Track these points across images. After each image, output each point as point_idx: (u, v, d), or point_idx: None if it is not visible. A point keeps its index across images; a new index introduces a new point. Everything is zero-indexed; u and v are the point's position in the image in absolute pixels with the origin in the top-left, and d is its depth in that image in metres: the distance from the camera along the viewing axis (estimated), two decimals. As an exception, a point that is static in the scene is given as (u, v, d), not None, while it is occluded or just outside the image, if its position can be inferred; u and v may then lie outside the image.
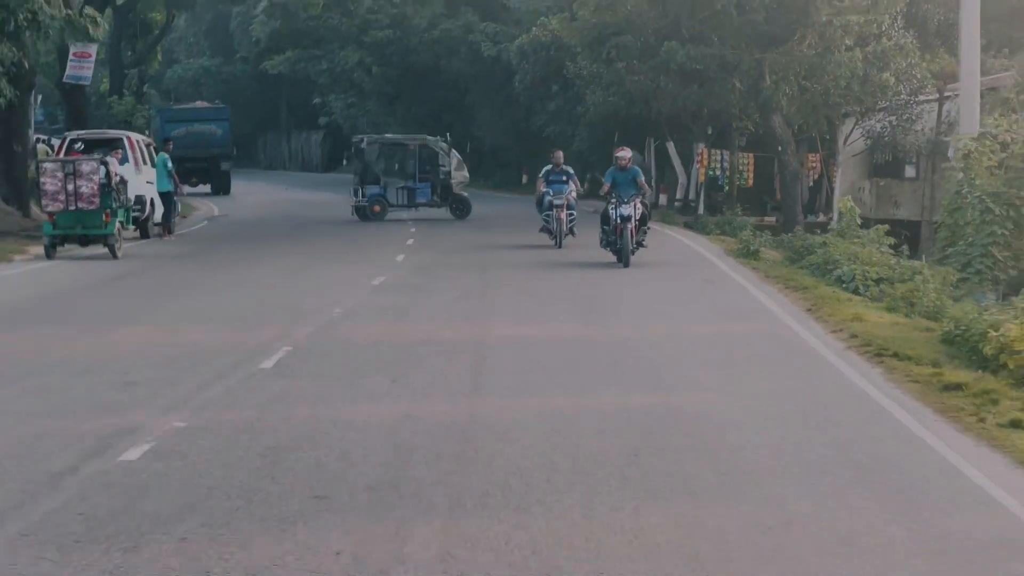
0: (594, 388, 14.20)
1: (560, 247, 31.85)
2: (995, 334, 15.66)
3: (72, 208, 28.66)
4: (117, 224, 28.90)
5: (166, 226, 35.76)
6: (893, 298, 22.48)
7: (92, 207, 28.65)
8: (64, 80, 43.01)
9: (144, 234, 34.98)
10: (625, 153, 29.22)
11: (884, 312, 21.34)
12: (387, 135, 52.32)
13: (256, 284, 24.54)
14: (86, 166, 28.75)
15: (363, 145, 44.58)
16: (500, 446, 11.21)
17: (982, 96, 38.60)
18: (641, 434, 11.82)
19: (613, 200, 28.03)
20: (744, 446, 11.44)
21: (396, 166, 47.08)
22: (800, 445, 11.49)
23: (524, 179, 68.42)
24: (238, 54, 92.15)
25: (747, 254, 30.26)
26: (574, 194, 33.45)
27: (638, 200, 28.19)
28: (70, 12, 33.28)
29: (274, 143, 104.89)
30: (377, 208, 43.09)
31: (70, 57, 42.40)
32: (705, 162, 48.50)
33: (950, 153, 33.78)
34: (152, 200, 35.11)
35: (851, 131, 45.94)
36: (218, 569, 7.92)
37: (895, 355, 16.57)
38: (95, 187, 28.56)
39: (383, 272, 26.22)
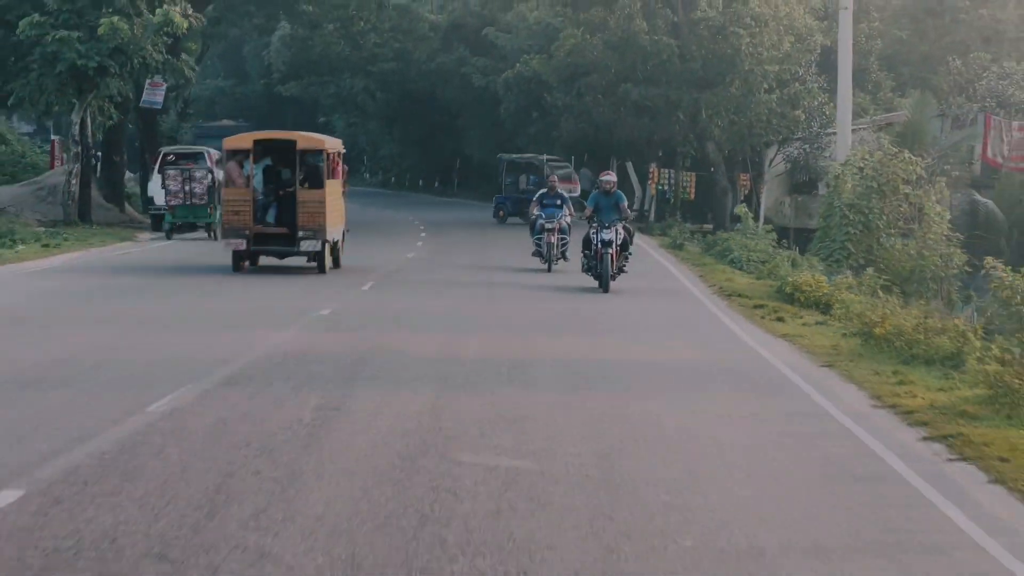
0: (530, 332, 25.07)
1: (550, 271, 31.63)
2: (790, 281, 26.73)
3: (188, 203, 39.57)
4: (218, 214, 39.85)
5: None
6: (760, 271, 33.49)
7: (202, 203, 39.56)
8: (141, 104, 53.45)
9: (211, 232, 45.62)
10: (610, 177, 29.56)
11: (751, 278, 32.38)
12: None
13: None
14: (198, 173, 39.72)
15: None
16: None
17: (882, 128, 49.80)
18: (575, 319, 22.71)
19: (595, 225, 27.95)
20: (641, 324, 22.42)
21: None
22: (670, 330, 22.36)
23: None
24: (259, 78, 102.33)
25: (674, 247, 41.31)
26: (568, 218, 32.80)
27: (620, 225, 28.05)
28: (170, 57, 44.02)
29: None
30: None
31: (146, 86, 52.82)
32: (656, 179, 59.40)
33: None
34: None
35: (774, 156, 57.15)
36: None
37: (739, 295, 27.63)
38: (204, 188, 39.48)
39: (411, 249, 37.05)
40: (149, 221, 45.83)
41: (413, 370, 16.24)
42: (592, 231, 27.79)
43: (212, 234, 39.95)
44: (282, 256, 30.54)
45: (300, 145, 30.65)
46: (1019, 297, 20.33)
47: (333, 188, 30.71)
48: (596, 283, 27.49)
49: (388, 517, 9.27)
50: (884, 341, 19.61)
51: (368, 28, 70.36)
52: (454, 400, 14.24)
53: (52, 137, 60.54)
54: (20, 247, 33.51)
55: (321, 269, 29.94)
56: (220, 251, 31.06)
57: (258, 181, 30.05)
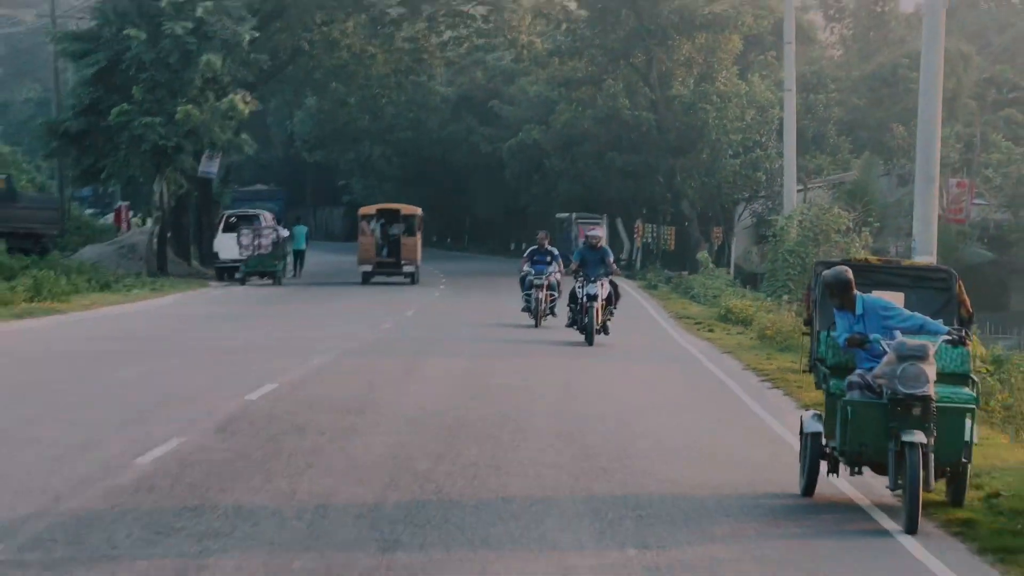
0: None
1: (538, 327, 31.82)
2: (725, 305, 36.01)
3: (257, 254, 49.01)
4: (281, 265, 49.27)
5: (297, 270, 56.09)
6: (712, 302, 42.78)
7: (270, 254, 49.02)
8: (199, 174, 62.42)
9: (276, 279, 54.75)
10: (597, 232, 30.25)
11: (703, 307, 41.63)
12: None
13: (362, 296, 44.65)
14: (265, 230, 49.19)
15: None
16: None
17: (836, 187, 59.23)
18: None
19: (581, 279, 28.25)
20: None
21: None
22: (629, 334, 31.47)
23: (512, 246, 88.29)
24: (282, 144, 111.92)
25: (649, 287, 50.67)
26: (557, 275, 32.73)
27: (606, 280, 28.35)
28: (233, 136, 53.30)
29: (303, 216, 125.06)
30: None
31: (203, 158, 61.89)
32: (641, 233, 68.77)
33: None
34: (291, 255, 55.51)
35: (742, 212, 66.59)
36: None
37: (687, 317, 36.91)
38: (270, 243, 48.94)
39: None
40: (214, 272, 54.96)
41: (456, 344, 25.63)
42: (578, 285, 28.26)
43: (277, 280, 49.41)
44: (390, 275, 53.72)
45: (403, 212, 55.83)
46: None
47: (418, 237, 53.84)
48: (582, 336, 27.94)
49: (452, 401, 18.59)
50: (771, 339, 28.90)
51: (387, 101, 79.71)
52: (484, 362, 23.58)
53: (119, 203, 69.90)
54: (134, 291, 42.73)
55: (414, 281, 52.53)
56: (285, 293, 40.91)
57: (378, 234, 53.65)
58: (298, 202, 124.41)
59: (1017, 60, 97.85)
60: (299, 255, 56.87)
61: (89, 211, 77.96)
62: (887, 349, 11.97)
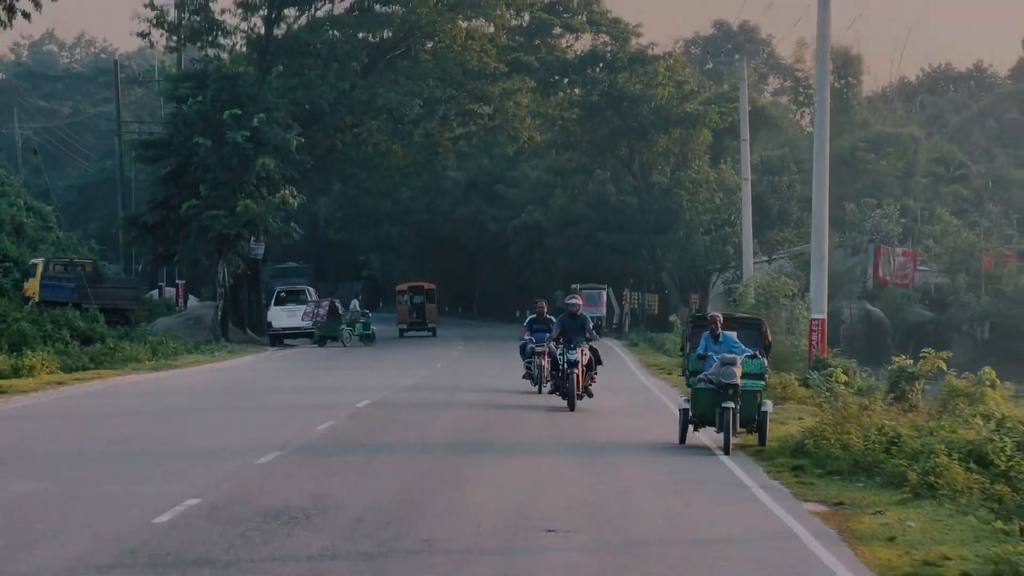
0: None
1: (540, 392, 32.32)
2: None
3: (320, 322, 59.81)
4: (345, 331, 59.93)
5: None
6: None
7: (328, 321, 59.85)
8: (249, 255, 72.93)
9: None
10: (576, 300, 30.36)
11: (671, 359, 52.10)
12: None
13: (401, 353, 55.18)
14: (324, 303, 60.02)
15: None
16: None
17: (796, 257, 69.71)
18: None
19: (561, 346, 29.09)
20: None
21: None
22: (605, 379, 42.02)
23: (517, 314, 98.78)
24: (306, 224, 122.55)
25: (631, 345, 61.16)
26: (586, 350, 31.07)
27: (586, 347, 29.06)
28: (283, 225, 64.01)
29: (324, 289, 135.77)
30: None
31: (252, 241, 72.54)
32: (628, 300, 79.40)
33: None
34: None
35: (715, 280, 77.30)
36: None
37: (654, 366, 47.44)
38: (326, 312, 59.78)
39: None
40: (268, 340, 65.40)
41: (465, 396, 36.13)
42: (559, 352, 29.22)
43: (342, 342, 60.25)
44: (419, 331, 73.57)
45: (424, 287, 76.45)
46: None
47: (435, 304, 74.64)
48: (564, 402, 29.16)
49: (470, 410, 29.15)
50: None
51: (405, 188, 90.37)
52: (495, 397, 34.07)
53: (177, 281, 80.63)
54: (217, 353, 53.26)
55: (434, 335, 70.86)
56: (337, 352, 51.66)
57: (408, 303, 73.76)
58: (321, 276, 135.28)
59: (969, 140, 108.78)
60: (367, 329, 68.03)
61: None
62: (716, 361, 22.60)
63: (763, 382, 23.37)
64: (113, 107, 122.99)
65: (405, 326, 75.39)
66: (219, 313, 64.30)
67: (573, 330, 29.27)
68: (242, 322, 69.52)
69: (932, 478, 17.67)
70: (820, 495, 18.03)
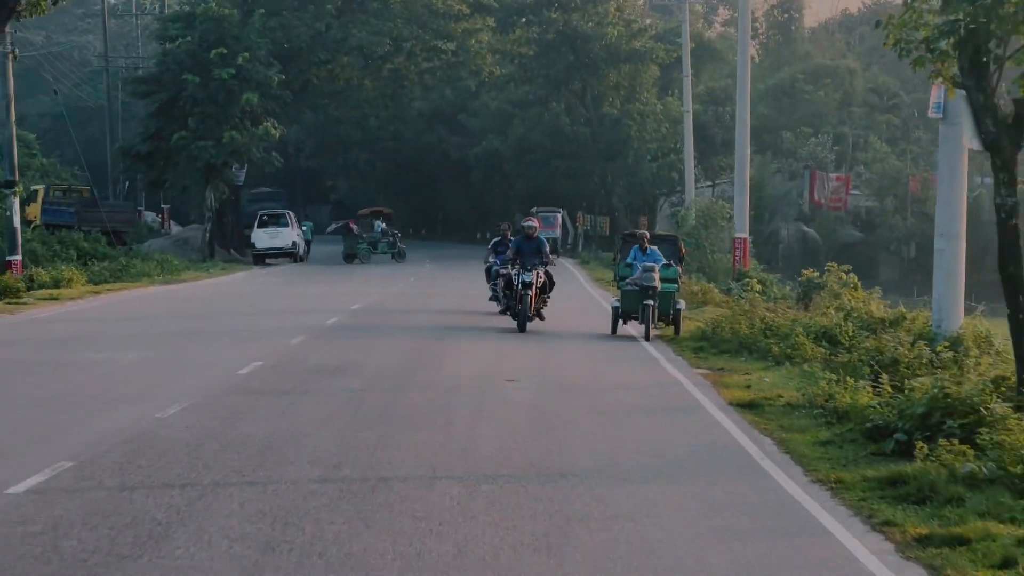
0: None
1: (505, 314, 31.70)
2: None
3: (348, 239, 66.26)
4: (364, 249, 66.73)
5: (306, 256, 72.93)
6: (624, 271, 59.79)
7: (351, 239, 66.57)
8: (233, 182, 78.68)
9: (296, 260, 71.27)
10: (532, 223, 30.64)
11: (616, 275, 58.55)
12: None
13: (372, 271, 61.44)
14: (339, 223, 66.43)
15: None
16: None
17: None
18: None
19: (517, 268, 29.54)
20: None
21: None
22: (563, 292, 48.41)
23: (478, 235, 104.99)
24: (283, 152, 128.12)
25: (582, 263, 67.60)
26: (542, 272, 31.56)
27: (541, 269, 29.61)
28: (265, 154, 69.97)
29: (300, 212, 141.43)
30: None
31: (233, 168, 78.34)
32: (582, 222, 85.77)
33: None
34: (304, 243, 72.06)
35: (662, 204, 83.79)
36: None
37: (601, 280, 53.78)
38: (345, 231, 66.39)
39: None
40: (251, 259, 71.35)
41: (439, 300, 42.42)
42: (514, 273, 29.59)
43: (360, 259, 67.28)
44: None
45: (384, 211, 74.42)
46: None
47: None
48: (514, 323, 29.69)
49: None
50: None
51: (373, 118, 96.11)
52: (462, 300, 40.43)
53: (163, 206, 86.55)
54: (211, 269, 59.34)
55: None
56: (316, 270, 57.92)
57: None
58: (291, 201, 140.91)
59: (904, 71, 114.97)
60: (307, 244, 73.54)
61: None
62: (640, 268, 29.03)
63: (676, 285, 29.92)
64: (87, 39, 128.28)
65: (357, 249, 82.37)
66: (207, 235, 70.35)
67: (529, 252, 29.73)
68: (227, 243, 75.58)
69: (790, 351, 24.21)
70: (709, 365, 24.55)
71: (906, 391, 15.95)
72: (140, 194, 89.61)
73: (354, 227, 71.28)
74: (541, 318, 30.11)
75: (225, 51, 66.64)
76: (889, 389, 16.83)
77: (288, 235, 69.11)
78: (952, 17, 14.83)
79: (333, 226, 68.93)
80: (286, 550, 10.12)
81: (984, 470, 12.77)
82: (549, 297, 30.89)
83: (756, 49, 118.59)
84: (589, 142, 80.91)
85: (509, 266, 30.01)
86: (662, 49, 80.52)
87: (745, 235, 46.27)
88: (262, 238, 70.30)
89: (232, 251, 75.52)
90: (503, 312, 31.18)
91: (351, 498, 11.91)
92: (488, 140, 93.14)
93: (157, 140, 69.05)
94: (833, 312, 27.00)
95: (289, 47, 74.30)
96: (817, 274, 38.22)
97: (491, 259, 34.46)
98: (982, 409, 14.40)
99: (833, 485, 13.32)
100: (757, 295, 38.02)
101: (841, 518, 11.94)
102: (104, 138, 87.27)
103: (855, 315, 26.30)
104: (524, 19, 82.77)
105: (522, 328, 29.02)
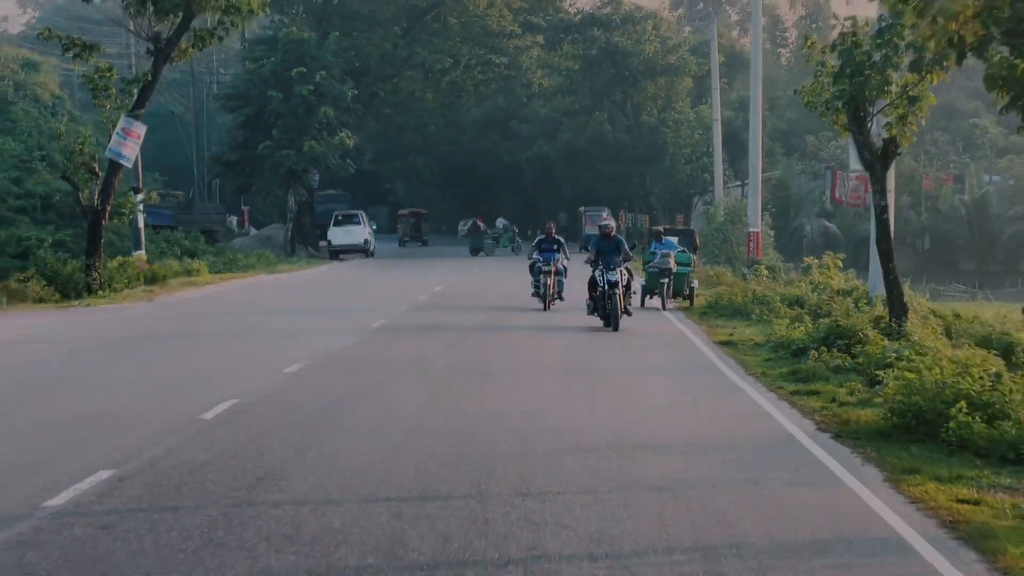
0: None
1: (547, 310, 34.49)
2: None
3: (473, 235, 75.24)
4: (488, 243, 75.71)
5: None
6: (658, 262, 68.21)
7: (478, 235, 75.49)
8: (311, 185, 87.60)
9: (367, 255, 79.76)
10: (610, 223, 31.26)
11: (652, 265, 66.92)
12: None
13: (430, 265, 69.94)
14: (470, 221, 75.18)
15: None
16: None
17: (765, 182, 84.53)
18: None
19: (600, 268, 29.58)
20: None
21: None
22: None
23: (528, 234, 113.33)
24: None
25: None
26: (565, 261, 35.55)
27: (623, 267, 29.80)
28: (341, 161, 78.70)
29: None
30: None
31: (310, 173, 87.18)
32: (623, 220, 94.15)
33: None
34: (374, 240, 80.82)
35: (697, 203, 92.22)
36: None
37: (639, 270, 62.29)
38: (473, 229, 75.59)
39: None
40: (328, 255, 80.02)
41: (503, 287, 51.01)
42: (598, 273, 29.52)
43: (486, 252, 77.22)
44: (415, 242, 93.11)
45: (420, 212, 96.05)
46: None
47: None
48: (602, 323, 29.90)
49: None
50: (673, 274, 54.29)
51: (432, 126, 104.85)
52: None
53: (243, 208, 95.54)
54: (298, 263, 68.07)
55: (426, 244, 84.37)
56: (392, 263, 66.70)
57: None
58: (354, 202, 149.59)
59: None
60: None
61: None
62: (659, 255, 37.63)
63: (689, 268, 38.51)
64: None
65: (407, 238, 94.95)
66: (289, 233, 79.21)
67: (609, 251, 29.84)
68: (304, 241, 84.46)
69: (767, 314, 32.78)
70: (707, 324, 33.09)
71: (818, 325, 24.55)
72: (217, 197, 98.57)
73: (481, 225, 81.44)
74: (628, 314, 30.40)
75: (304, 70, 75.36)
76: (810, 325, 25.41)
77: (361, 232, 77.71)
78: (841, 87, 23.43)
79: (463, 227, 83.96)
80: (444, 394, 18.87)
81: (846, 364, 21.34)
82: (635, 293, 32.17)
83: (787, 57, 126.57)
84: (629, 147, 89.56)
85: (591, 266, 29.97)
86: (694, 63, 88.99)
87: (757, 229, 54.68)
88: (338, 236, 78.88)
89: (309, 248, 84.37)
90: (588, 312, 30.94)
91: (474, 377, 20.64)
92: (538, 145, 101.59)
93: (244, 149, 77.73)
94: (804, 285, 35.53)
95: (360, 65, 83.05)
96: (816, 260, 46.54)
97: (535, 255, 35.67)
98: (860, 333, 22.97)
99: (760, 376, 21.91)
100: (764, 278, 46.39)
101: (757, 388, 20.55)
102: (179, 144, 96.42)
103: (821, 287, 34.84)
104: (570, 37, 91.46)
105: (615, 327, 29.17)
